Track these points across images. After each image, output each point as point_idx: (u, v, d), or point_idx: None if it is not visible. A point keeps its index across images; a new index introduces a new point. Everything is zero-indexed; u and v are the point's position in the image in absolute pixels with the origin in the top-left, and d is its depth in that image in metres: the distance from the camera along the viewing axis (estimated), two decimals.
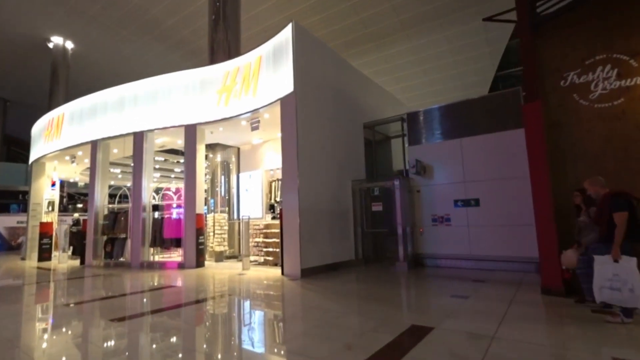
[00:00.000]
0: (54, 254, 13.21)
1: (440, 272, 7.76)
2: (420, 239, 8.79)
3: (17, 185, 23.73)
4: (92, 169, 11.38)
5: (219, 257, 10.79)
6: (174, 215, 10.20)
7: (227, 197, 12.02)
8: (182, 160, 15.15)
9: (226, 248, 11.16)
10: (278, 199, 11.07)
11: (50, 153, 12.83)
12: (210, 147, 11.89)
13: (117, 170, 15.83)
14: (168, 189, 10.96)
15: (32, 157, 14.49)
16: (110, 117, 11.09)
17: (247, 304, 5.53)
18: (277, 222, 9.56)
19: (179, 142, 11.65)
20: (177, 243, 9.98)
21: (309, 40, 8.69)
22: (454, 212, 8.24)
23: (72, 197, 25.13)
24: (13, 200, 24.76)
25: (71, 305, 5.65)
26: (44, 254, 12.72)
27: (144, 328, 4.24)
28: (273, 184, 11.33)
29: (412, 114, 9.30)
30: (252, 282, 7.11)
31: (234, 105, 9.23)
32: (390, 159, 11.30)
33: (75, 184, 21.56)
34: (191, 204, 9.67)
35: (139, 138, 10.52)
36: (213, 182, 12.09)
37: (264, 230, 9.75)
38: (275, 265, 9.28)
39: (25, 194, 20.57)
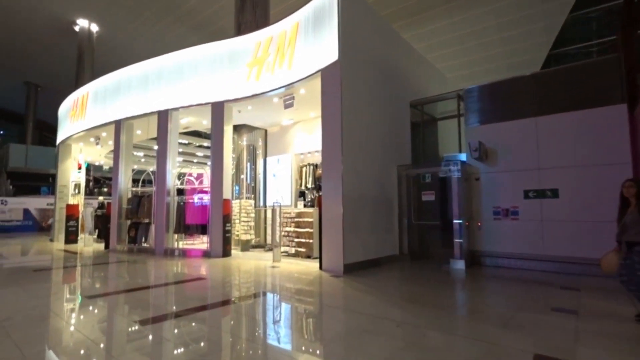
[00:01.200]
0: (80, 236, 12.80)
1: (506, 273, 6.55)
2: (477, 234, 7.57)
3: (48, 168, 23.85)
4: (116, 151, 10.69)
5: (245, 246, 9.94)
6: (198, 201, 9.36)
7: (252, 184, 11.11)
8: (205, 144, 14.41)
9: (252, 237, 10.29)
10: (309, 186, 10.05)
11: (76, 134, 12.27)
12: (236, 129, 10.95)
13: (140, 154, 15.24)
14: (190, 175, 10.14)
15: (59, 138, 14.06)
16: (134, 96, 10.30)
17: (293, 308, 4.55)
18: (311, 210, 8.56)
19: (204, 123, 10.78)
20: (202, 230, 9.15)
21: (355, 2, 7.46)
22: (524, 204, 6.95)
23: (98, 181, 25.12)
24: (43, 182, 25.01)
25: (97, 300, 4.85)
26: (70, 236, 12.31)
27: (172, 334, 3.33)
28: (304, 169, 10.30)
29: (471, 89, 7.96)
30: (289, 278, 6.15)
31: (265, 80, 8.18)
32: (437, 143, 10.00)
33: (100, 167, 21.36)
34: (218, 188, 8.78)
35: (163, 117, 9.68)
36: (238, 167, 11.19)
37: (296, 219, 8.77)
38: (308, 257, 8.32)
39: (54, 177, 20.61)
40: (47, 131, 32.48)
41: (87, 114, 11.70)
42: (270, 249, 9.96)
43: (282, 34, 7.98)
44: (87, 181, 18.51)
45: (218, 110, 8.92)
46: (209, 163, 9.55)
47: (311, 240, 8.36)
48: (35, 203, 20.07)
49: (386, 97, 8.25)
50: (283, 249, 9.03)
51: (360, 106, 7.36)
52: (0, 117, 34.54)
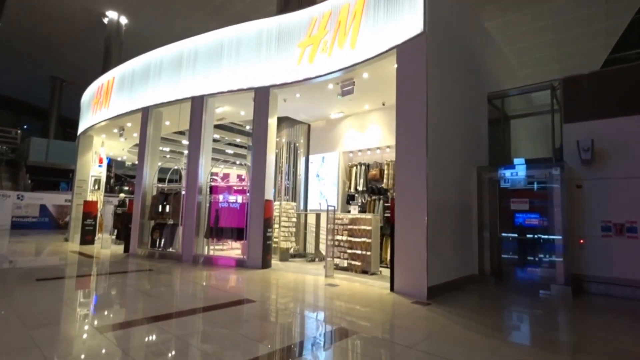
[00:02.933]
0: (98, 236, 11.62)
1: (628, 306, 5.02)
2: (578, 254, 6.03)
3: (69, 163, 23.00)
4: (142, 142, 9.50)
5: (284, 255, 8.55)
6: (233, 201, 8.06)
7: (291, 185, 9.76)
8: (238, 140, 13.17)
9: (293, 245, 8.91)
10: (360, 188, 8.67)
11: (98, 124, 11.17)
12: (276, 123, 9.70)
13: (167, 149, 14.12)
14: (216, 174, 8.87)
15: (80, 129, 13.02)
16: (165, 80, 9.13)
17: None
18: (369, 217, 7.16)
19: (242, 114, 9.53)
20: (237, 234, 7.82)
21: None
22: None
23: (119, 178, 24.19)
24: (63, 178, 24.20)
25: (111, 331, 3.52)
26: (87, 236, 11.12)
27: None
28: (354, 169, 8.93)
29: (574, 78, 6.51)
30: (363, 304, 4.73)
31: (320, 62, 6.89)
32: (509, 143, 8.51)
33: (122, 163, 20.39)
34: (259, 187, 7.46)
35: (197, 104, 8.46)
36: (275, 166, 9.88)
37: (349, 227, 7.36)
38: (365, 272, 6.90)
39: (74, 172, 19.74)
40: (70, 127, 31.92)
41: (112, 102, 10.60)
42: (313, 260, 8.58)
43: (344, 7, 6.68)
44: (108, 178, 17.53)
45: (262, 97, 7.64)
46: (240, 161, 8.26)
47: (369, 253, 6.94)
48: (53, 199, 19.15)
49: (466, 87, 6.85)
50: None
51: (444, 93, 5.97)
52: (24, 112, 34.24)
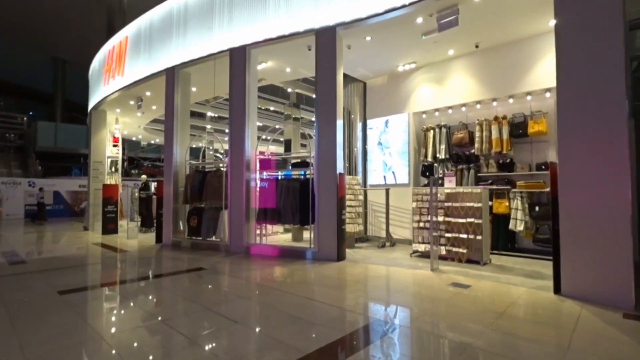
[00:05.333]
0: (120, 223, 10.08)
1: None
2: None
3: (78, 147, 21.35)
4: (169, 111, 7.70)
5: (350, 241, 6.88)
6: (292, 177, 6.35)
7: (347, 158, 7.98)
8: (272, 109, 11.32)
9: (360, 228, 7.25)
10: (441, 156, 6.89)
11: (112, 94, 9.33)
12: None
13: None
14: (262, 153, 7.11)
15: (91, 103, 11.19)
16: (193, 32, 7.21)
17: None
18: (477, 190, 5.40)
19: (287, 71, 7.65)
20: (301, 218, 6.12)
21: None
22: None
23: (132, 160, 22.54)
24: (74, 163, 22.64)
25: None
26: (109, 224, 9.55)
27: None
28: (430, 134, 7.12)
29: None
30: (545, 322, 3.06)
31: None
32: None
33: (137, 144, 18.69)
34: (328, 158, 5.71)
35: (238, 58, 6.59)
36: None
37: (446, 204, 5.64)
38: (473, 262, 5.25)
39: (86, 157, 18.06)
40: (76, 111, 30.06)
41: (126, 67, 8.71)
42: (384, 245, 6.93)
43: None
44: (122, 161, 15.86)
45: (326, 41, 5.74)
46: (267, 136, 6.50)
47: (479, 237, 5.25)
48: (66, 185, 17.60)
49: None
50: (415, 246, 5.95)
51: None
52: (29, 97, 32.31)
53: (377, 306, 3.56)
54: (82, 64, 26.44)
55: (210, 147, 12.29)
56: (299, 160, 6.46)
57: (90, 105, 11.19)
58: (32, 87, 31.33)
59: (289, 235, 7.89)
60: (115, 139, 12.04)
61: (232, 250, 6.52)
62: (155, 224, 8.05)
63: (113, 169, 11.48)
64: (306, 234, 7.01)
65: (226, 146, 6.93)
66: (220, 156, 7.06)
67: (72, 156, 21.87)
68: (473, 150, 6.52)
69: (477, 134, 6.39)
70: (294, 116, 9.97)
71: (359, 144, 8.12)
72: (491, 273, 4.70)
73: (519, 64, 6.00)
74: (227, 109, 6.98)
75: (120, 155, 11.98)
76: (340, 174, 5.66)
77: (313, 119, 6.78)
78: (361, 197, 7.28)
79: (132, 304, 3.66)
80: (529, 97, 6.03)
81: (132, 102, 9.70)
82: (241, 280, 4.65)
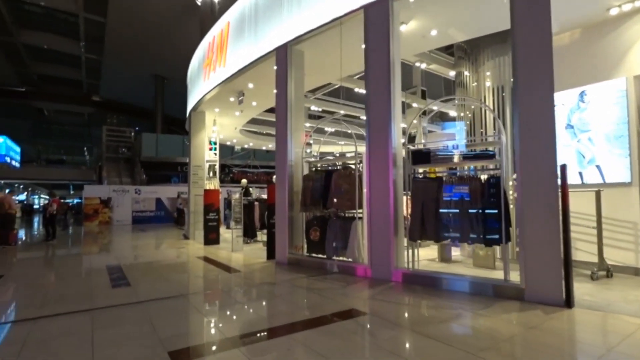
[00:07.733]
0: (221, 230, 9.11)
1: None
2: None
3: (175, 156, 22.29)
4: (281, 99, 6.27)
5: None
6: (462, 174, 4.29)
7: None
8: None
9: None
10: None
11: (212, 90, 8.37)
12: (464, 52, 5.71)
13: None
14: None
15: (190, 105, 10.58)
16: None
17: None
18: None
19: (433, 34, 5.62)
20: (486, 235, 4.00)
21: None
22: None
23: (223, 168, 22.73)
24: (172, 171, 23.72)
25: None
26: (211, 234, 8.59)
27: None
28: None
29: None
30: None
31: None
32: None
33: (230, 150, 18.44)
34: (541, 146, 3.54)
35: (377, 15, 4.80)
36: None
37: None
38: None
39: (183, 165, 18.46)
40: (173, 125, 32.24)
41: (229, 55, 7.61)
42: (596, 276, 4.43)
43: None
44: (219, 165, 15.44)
45: None
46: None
47: None
48: (166, 192, 18.04)
49: None
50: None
51: None
52: (134, 114, 35.78)
53: None
54: (178, 79, 28.18)
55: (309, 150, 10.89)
56: (474, 151, 4.38)
57: (189, 107, 10.59)
58: (136, 104, 34.58)
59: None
60: (210, 146, 11.36)
61: (374, 275, 4.69)
62: (258, 235, 6.67)
63: (211, 174, 10.72)
64: (480, 255, 4.85)
65: (362, 133, 5.18)
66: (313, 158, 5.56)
67: (171, 165, 22.93)
68: None
69: None
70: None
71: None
72: None
73: None
74: (333, 101, 5.29)
75: (218, 159, 11.24)
76: (562, 168, 3.44)
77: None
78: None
79: None
80: None
81: (232, 99, 8.66)
82: (439, 342, 2.71)
